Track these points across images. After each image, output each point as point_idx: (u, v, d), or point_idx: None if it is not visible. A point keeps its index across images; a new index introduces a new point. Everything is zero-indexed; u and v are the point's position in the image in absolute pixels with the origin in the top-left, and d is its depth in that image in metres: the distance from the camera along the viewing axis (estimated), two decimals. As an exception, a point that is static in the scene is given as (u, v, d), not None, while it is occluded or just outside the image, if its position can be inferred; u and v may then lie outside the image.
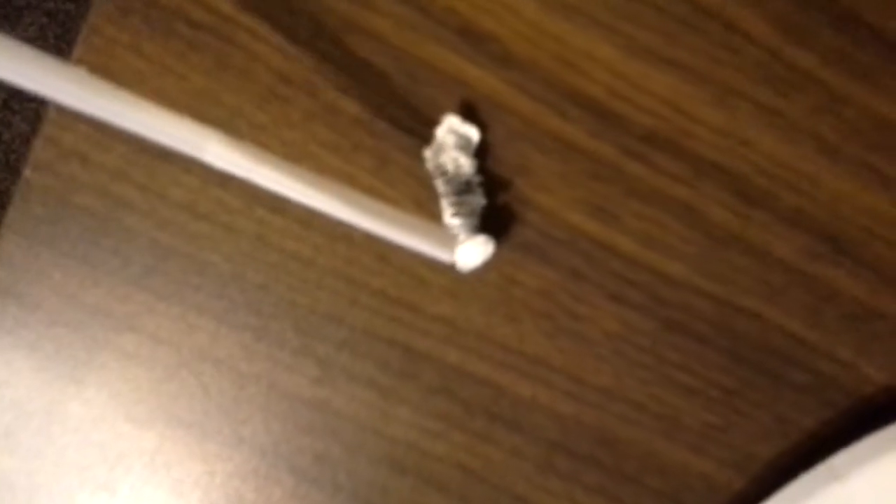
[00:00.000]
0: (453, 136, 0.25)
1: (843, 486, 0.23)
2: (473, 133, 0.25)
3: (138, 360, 0.26)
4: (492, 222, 0.25)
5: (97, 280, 0.26)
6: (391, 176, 0.25)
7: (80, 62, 0.25)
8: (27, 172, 0.25)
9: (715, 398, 0.26)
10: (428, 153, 0.25)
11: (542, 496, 0.26)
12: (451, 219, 0.25)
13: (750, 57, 0.25)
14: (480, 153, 0.25)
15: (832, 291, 0.25)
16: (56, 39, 0.88)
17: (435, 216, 0.25)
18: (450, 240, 0.23)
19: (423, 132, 0.25)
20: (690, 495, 0.26)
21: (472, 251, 0.25)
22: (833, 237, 0.25)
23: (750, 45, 0.24)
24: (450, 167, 0.24)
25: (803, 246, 0.25)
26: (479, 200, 0.25)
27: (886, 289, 0.25)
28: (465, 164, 0.25)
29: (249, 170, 0.21)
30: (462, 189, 0.25)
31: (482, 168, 0.25)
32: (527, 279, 0.26)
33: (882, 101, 0.25)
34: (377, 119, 0.25)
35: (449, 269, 0.25)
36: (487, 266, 0.25)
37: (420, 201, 0.25)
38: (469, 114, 0.25)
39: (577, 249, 0.25)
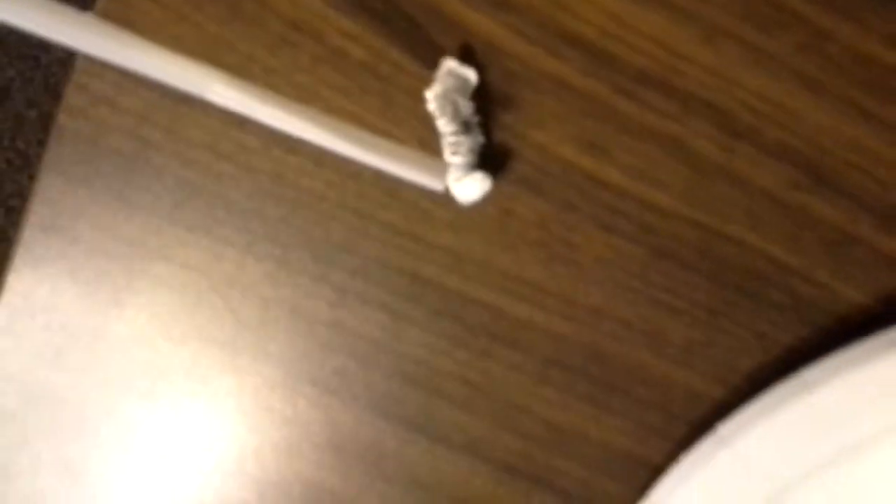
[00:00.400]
0: (452, 79, 0.26)
1: (813, 397, 0.26)
2: (472, 75, 0.26)
3: (172, 286, 0.29)
4: (490, 159, 0.27)
5: (131, 214, 0.28)
6: (396, 116, 0.27)
7: (102, 11, 0.27)
8: (61, 118, 0.28)
9: (699, 317, 0.28)
10: (429, 94, 0.26)
11: (539, 405, 0.29)
12: (451, 157, 0.26)
13: (737, -5, 0.25)
14: (479, 94, 0.27)
15: (812, 219, 0.27)
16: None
17: (438, 154, 0.27)
18: (442, 170, 0.25)
19: (425, 74, 0.27)
20: (675, 404, 0.28)
21: (471, 186, 0.27)
22: (814, 168, 0.26)
23: (737, -16, 0.25)
24: (449, 109, 0.26)
25: (786, 176, 0.27)
26: (477, 139, 0.27)
27: (864, 216, 0.27)
28: (464, 106, 0.26)
29: (249, 107, 0.23)
30: (461, 129, 0.26)
31: (481, 108, 0.27)
32: (523, 211, 0.27)
33: (864, 37, 0.25)
34: (382, 62, 0.27)
35: (451, 203, 0.27)
36: (486, 199, 0.27)
37: (424, 140, 0.27)
38: (468, 56, 0.27)
39: (570, 182, 0.27)
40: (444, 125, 0.26)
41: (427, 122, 0.27)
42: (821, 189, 0.27)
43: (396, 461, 0.29)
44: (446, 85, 0.26)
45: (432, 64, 0.26)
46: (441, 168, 0.25)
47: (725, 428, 0.27)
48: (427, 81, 0.26)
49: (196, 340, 0.29)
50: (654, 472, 0.29)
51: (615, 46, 0.26)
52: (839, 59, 0.26)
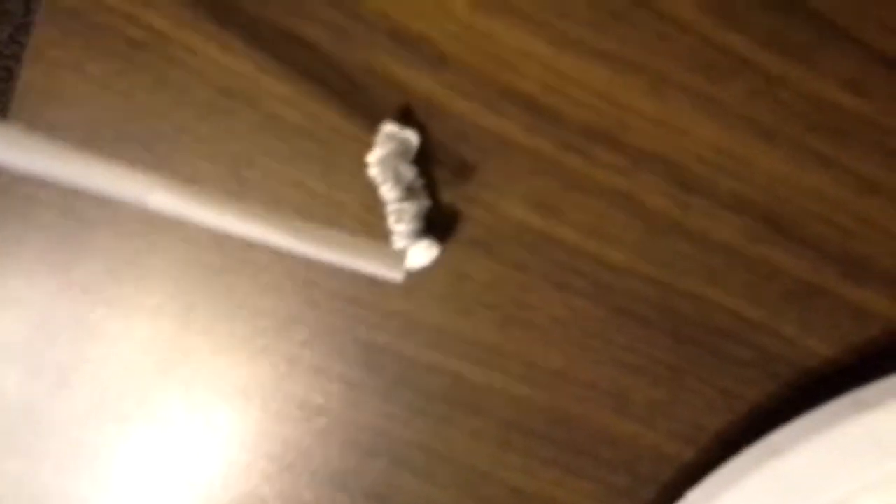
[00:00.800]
0: (393, 142, 0.25)
1: (782, 462, 0.25)
2: (413, 137, 0.25)
3: (113, 367, 0.28)
4: (438, 222, 0.26)
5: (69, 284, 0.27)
6: (338, 181, 0.26)
7: (27, 83, 0.26)
8: None
9: (661, 375, 0.27)
10: (371, 159, 0.25)
11: (502, 471, 0.28)
12: (394, 224, 0.25)
13: (682, 44, 0.24)
14: (422, 155, 0.26)
15: (773, 270, 0.26)
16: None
17: (384, 218, 0.26)
18: (399, 259, 0.24)
19: (365, 137, 0.26)
20: (642, 465, 0.27)
21: (418, 255, 0.26)
22: (773, 218, 0.25)
23: (681, 33, 0.24)
24: (391, 174, 0.25)
25: (743, 228, 0.25)
26: (422, 204, 0.26)
27: (827, 266, 0.26)
28: (406, 170, 0.25)
29: (193, 212, 0.22)
30: (404, 195, 0.25)
31: (425, 170, 0.26)
32: (476, 273, 0.26)
33: (818, 81, 0.24)
34: (320, 126, 0.26)
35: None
36: (438, 263, 0.26)
37: (369, 206, 0.26)
38: (408, 117, 0.26)
39: (522, 242, 0.26)
40: (387, 192, 0.25)
41: (371, 186, 0.26)
42: (781, 240, 0.25)
43: (358, 535, 0.28)
44: (387, 149, 0.25)
45: (372, 127, 0.25)
46: (398, 257, 0.24)
47: (694, 496, 0.26)
48: (368, 144, 0.25)
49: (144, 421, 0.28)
50: (626, 534, 0.28)
51: (558, 101, 0.25)
52: (792, 104, 0.25)
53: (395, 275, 0.24)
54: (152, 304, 0.27)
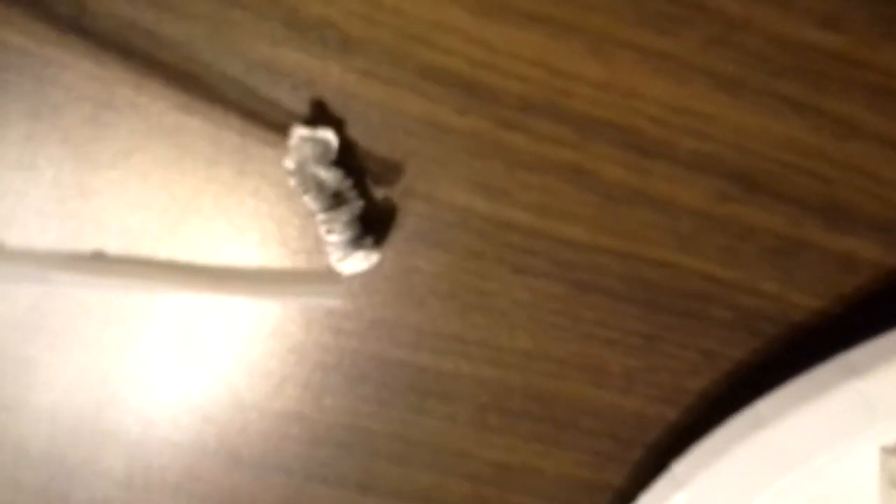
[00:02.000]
0: (309, 146, 0.22)
1: (768, 432, 0.23)
2: (330, 137, 0.22)
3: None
4: (375, 220, 0.24)
5: None
6: (257, 193, 0.23)
7: None
8: None
9: (636, 345, 0.25)
10: (289, 165, 0.23)
11: (482, 450, 0.27)
12: (326, 235, 0.23)
13: (622, -3, 0.21)
14: (345, 152, 0.23)
15: (748, 229, 0.23)
16: None
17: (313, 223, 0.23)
18: (336, 279, 0.22)
19: (278, 141, 0.23)
20: (626, 430, 0.26)
21: (357, 264, 0.23)
22: (744, 175, 0.23)
23: (620, -16, 0.20)
24: (312, 183, 0.22)
25: (711, 190, 0.23)
26: (354, 207, 0.23)
27: (808, 219, 0.23)
28: (328, 176, 0.22)
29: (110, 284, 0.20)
30: (331, 203, 0.23)
31: (351, 169, 0.23)
32: (424, 265, 0.24)
33: (786, 19, 0.21)
34: (225, 132, 0.23)
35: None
36: (383, 259, 0.24)
37: (299, 212, 0.24)
38: (322, 113, 0.23)
39: (469, 228, 0.24)
40: (311, 202, 0.23)
41: (293, 193, 0.23)
42: (754, 196, 0.23)
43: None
44: (302, 155, 0.22)
45: (284, 127, 0.22)
46: (334, 278, 0.22)
47: (680, 467, 0.25)
48: (285, 147, 0.23)
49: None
50: (617, 494, 0.27)
51: (488, 75, 0.22)
52: (758, 49, 0.21)
53: (333, 301, 0.22)
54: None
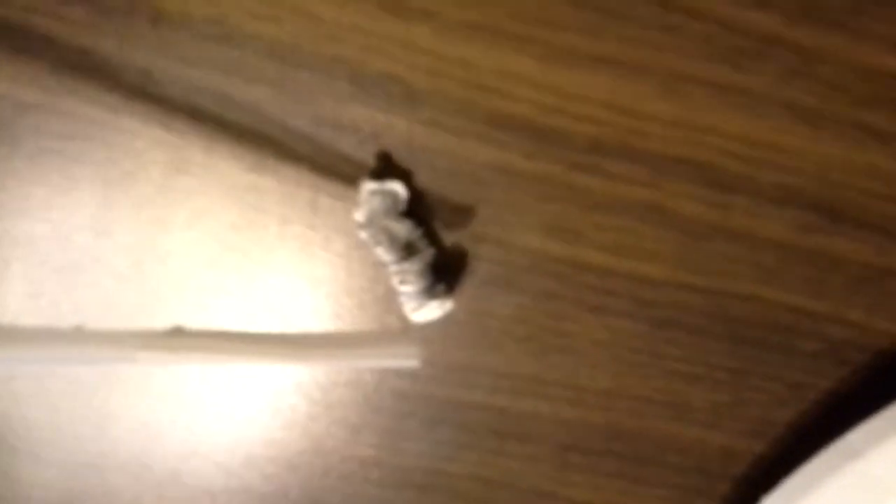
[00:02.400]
0: (378, 198, 0.22)
1: (860, 464, 0.22)
2: (398, 188, 0.22)
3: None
4: (448, 268, 0.23)
5: None
6: (330, 248, 0.23)
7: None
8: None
9: (721, 380, 0.24)
10: (359, 218, 0.22)
11: (565, 489, 0.26)
12: (399, 286, 0.23)
13: (694, 34, 0.20)
14: (414, 202, 0.23)
15: (833, 260, 0.22)
16: None
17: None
18: (411, 343, 0.22)
19: (347, 195, 0.23)
20: (713, 464, 0.26)
21: (431, 313, 0.23)
22: (826, 206, 0.22)
23: (692, 21, 0.20)
24: (383, 236, 0.22)
25: (794, 221, 0.22)
26: (425, 256, 0.23)
27: (895, 246, 0.22)
28: (399, 227, 0.22)
29: (186, 358, 0.20)
30: (403, 254, 0.23)
31: (421, 218, 0.23)
32: (499, 309, 0.24)
33: (863, 48, 0.20)
34: (295, 189, 0.23)
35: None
36: (455, 306, 0.24)
37: (365, 260, 0.23)
38: (389, 165, 0.22)
39: (543, 271, 0.23)
40: (384, 254, 0.23)
41: (366, 246, 0.23)
42: (837, 227, 0.22)
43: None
44: (372, 208, 0.22)
45: (352, 184, 0.22)
46: (410, 342, 0.22)
47: (770, 501, 0.24)
48: (353, 201, 0.23)
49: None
50: (705, 527, 0.27)
51: (557, 120, 0.21)
52: (835, 79, 0.20)
53: (410, 363, 0.22)
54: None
